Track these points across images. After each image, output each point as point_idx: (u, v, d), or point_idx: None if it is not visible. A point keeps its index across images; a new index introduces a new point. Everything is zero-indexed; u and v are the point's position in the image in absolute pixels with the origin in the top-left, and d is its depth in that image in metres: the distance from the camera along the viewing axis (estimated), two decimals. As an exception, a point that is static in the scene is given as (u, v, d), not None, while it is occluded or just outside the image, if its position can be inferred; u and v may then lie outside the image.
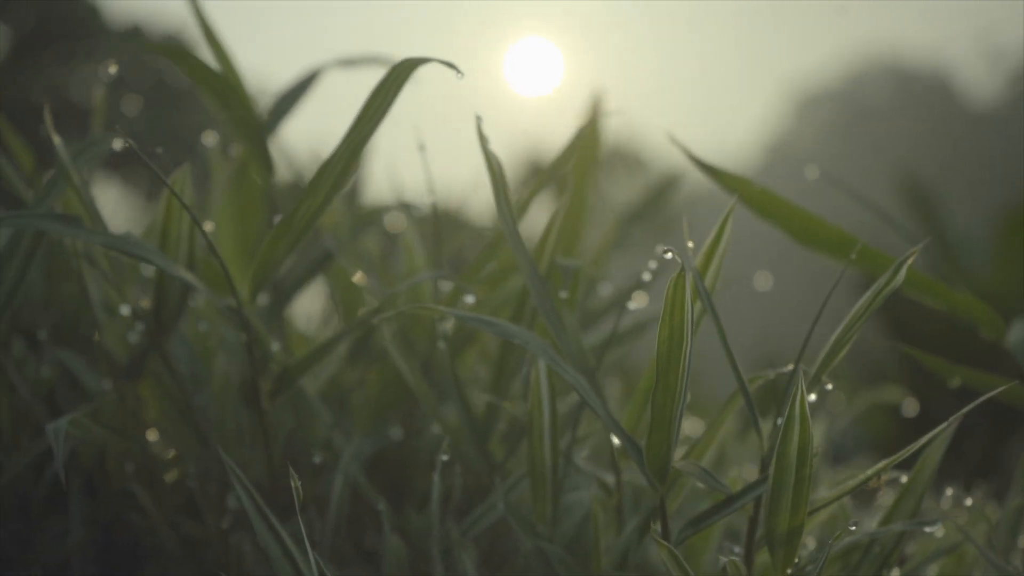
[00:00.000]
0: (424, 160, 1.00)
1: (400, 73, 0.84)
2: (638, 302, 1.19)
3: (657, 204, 1.39)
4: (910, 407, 1.29)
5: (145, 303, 0.97)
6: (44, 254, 1.07)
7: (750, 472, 1.16)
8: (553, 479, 0.88)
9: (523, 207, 0.96)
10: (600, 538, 0.87)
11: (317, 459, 0.96)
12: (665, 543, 0.76)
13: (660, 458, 0.79)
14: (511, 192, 0.87)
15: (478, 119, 0.85)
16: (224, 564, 0.96)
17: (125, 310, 0.97)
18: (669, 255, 0.73)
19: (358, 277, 1.04)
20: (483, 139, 0.85)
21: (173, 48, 0.98)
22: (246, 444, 1.00)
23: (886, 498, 1.25)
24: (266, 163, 1.05)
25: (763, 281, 1.34)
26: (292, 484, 0.74)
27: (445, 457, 0.85)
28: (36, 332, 1.06)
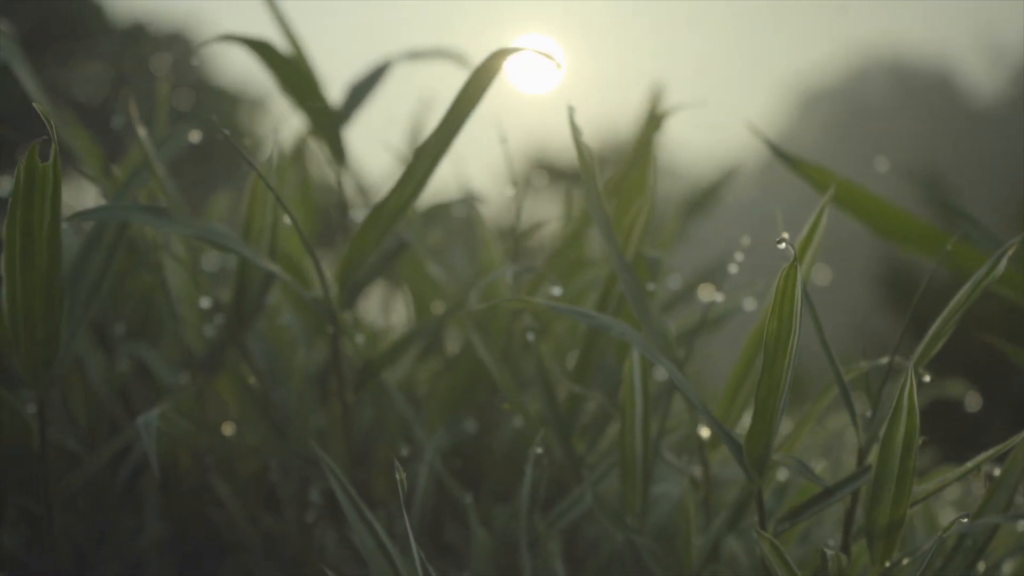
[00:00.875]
0: (506, 155, 0.99)
1: (493, 63, 0.84)
2: (709, 294, 1.19)
3: (714, 196, 1.38)
4: (973, 401, 1.28)
5: (227, 295, 0.96)
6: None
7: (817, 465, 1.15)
8: (644, 471, 0.87)
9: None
10: (692, 531, 0.86)
11: (405, 452, 0.95)
12: (767, 536, 0.76)
13: (760, 450, 0.79)
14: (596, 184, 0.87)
15: (571, 109, 0.85)
16: (305, 558, 0.95)
17: (205, 303, 0.96)
18: (783, 245, 0.73)
19: (433, 270, 1.04)
20: (576, 130, 0.85)
21: (254, 42, 0.97)
22: (324, 438, 0.99)
23: (952, 492, 1.25)
24: (340, 154, 1.05)
25: (822, 276, 1.33)
26: (397, 476, 0.73)
27: (539, 450, 0.84)
28: (106, 327, 1.06)
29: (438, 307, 1.08)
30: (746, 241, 0.93)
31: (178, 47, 12.73)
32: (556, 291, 0.93)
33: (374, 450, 1.03)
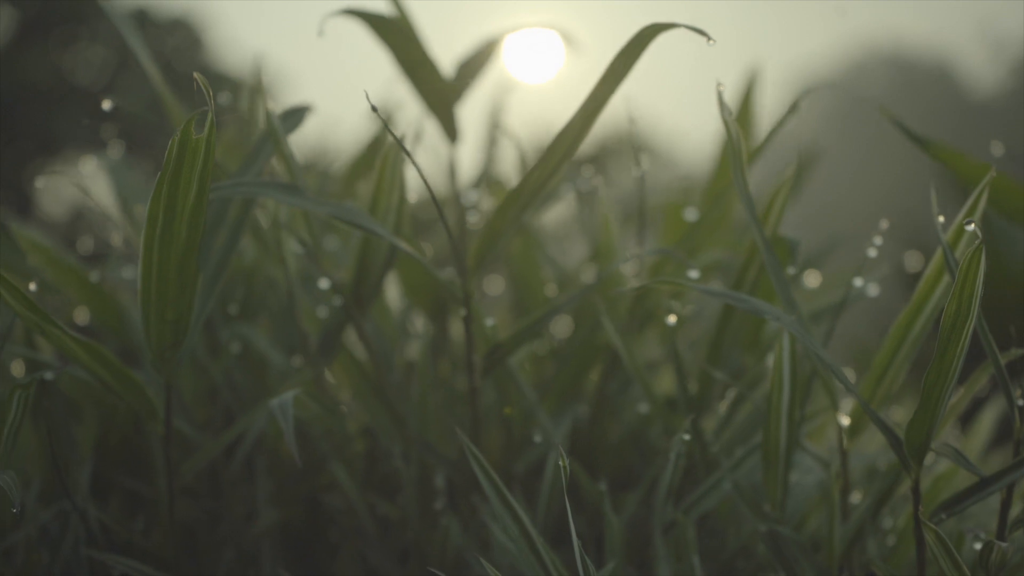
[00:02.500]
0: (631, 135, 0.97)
1: (642, 39, 0.81)
2: (814, 281, 1.16)
3: (799, 182, 1.36)
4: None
5: (345, 276, 0.94)
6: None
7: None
8: (786, 460, 0.85)
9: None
10: (835, 523, 0.84)
11: (537, 438, 0.93)
12: (932, 526, 0.74)
13: (921, 439, 0.76)
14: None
15: (719, 86, 0.82)
16: (425, 546, 0.93)
17: (324, 284, 0.94)
18: (971, 227, 0.71)
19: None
20: (724, 108, 0.82)
21: (372, 16, 0.95)
22: (444, 422, 0.97)
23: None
24: (452, 132, 1.02)
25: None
26: (560, 463, 0.71)
27: (687, 436, 0.82)
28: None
29: (551, 289, 1.05)
30: (884, 224, 0.91)
31: (181, 33, 12.67)
32: (693, 274, 0.90)
33: (487, 435, 1.01)
